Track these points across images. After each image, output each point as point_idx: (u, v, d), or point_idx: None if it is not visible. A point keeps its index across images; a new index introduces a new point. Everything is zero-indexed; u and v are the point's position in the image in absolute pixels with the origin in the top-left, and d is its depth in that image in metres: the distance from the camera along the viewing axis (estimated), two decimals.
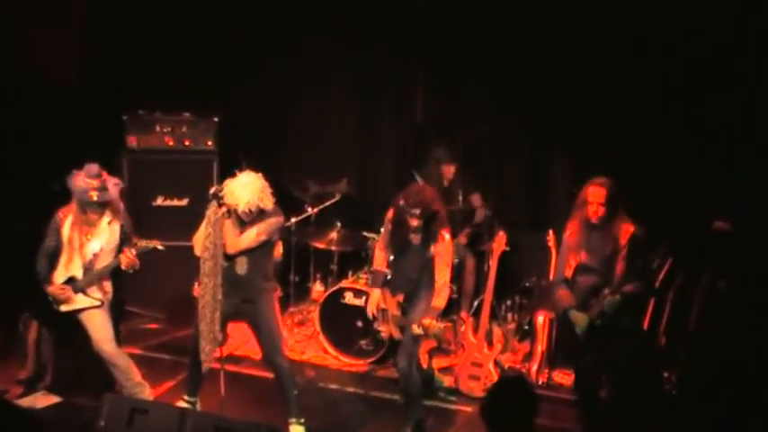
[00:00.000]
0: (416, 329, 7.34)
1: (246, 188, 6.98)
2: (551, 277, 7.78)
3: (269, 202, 7.08)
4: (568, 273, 7.27)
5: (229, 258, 7.12)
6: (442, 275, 7.46)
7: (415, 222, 7.43)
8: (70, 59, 10.51)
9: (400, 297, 7.64)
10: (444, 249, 7.49)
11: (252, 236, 7.06)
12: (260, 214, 7.07)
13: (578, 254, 7.21)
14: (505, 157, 10.35)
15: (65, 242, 7.45)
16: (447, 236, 7.52)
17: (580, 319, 7.12)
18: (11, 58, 9.86)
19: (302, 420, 7.41)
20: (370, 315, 7.80)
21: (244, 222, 7.09)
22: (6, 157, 9.59)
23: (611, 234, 7.07)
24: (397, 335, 7.67)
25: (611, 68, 9.34)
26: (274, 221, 7.13)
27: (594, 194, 7.05)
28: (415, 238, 7.54)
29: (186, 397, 7.61)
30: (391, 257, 7.81)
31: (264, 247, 7.16)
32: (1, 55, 9.81)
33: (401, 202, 7.46)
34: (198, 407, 7.59)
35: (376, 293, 7.78)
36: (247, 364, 8.83)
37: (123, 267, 7.47)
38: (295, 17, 10.45)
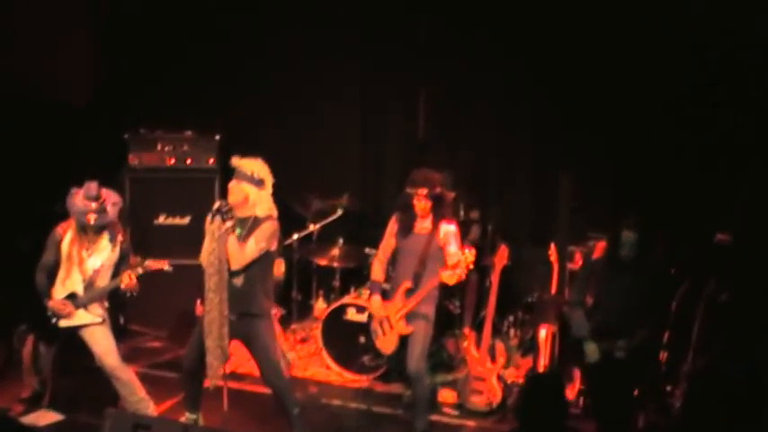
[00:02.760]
0: (445, 274, 7.29)
1: (253, 160, 7.07)
2: (567, 297, 7.80)
3: (264, 204, 7.11)
4: (589, 300, 7.37)
5: (232, 274, 7.11)
6: (456, 257, 7.38)
7: (421, 204, 7.43)
8: (75, 80, 10.54)
9: (408, 283, 7.56)
10: (452, 236, 7.50)
11: (252, 247, 7.03)
12: (254, 224, 7.06)
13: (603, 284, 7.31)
14: (507, 171, 10.36)
15: (63, 257, 7.43)
16: (453, 226, 7.55)
17: (593, 350, 7.24)
18: (16, 79, 9.88)
19: None
20: (374, 321, 7.76)
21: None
22: (8, 175, 9.59)
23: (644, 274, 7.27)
24: (406, 330, 7.60)
25: (614, 83, 9.37)
26: (268, 226, 7.08)
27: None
28: (422, 224, 7.54)
29: (188, 414, 7.58)
30: (391, 268, 7.81)
31: (261, 258, 7.11)
32: (6, 75, 9.83)
33: (407, 188, 7.48)
34: (200, 422, 7.57)
35: (377, 300, 7.77)
36: (250, 381, 8.80)
37: (122, 288, 7.43)
38: (296, 35, 10.49)
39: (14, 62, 9.90)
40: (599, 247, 7.60)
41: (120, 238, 7.51)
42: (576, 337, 7.55)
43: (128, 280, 7.38)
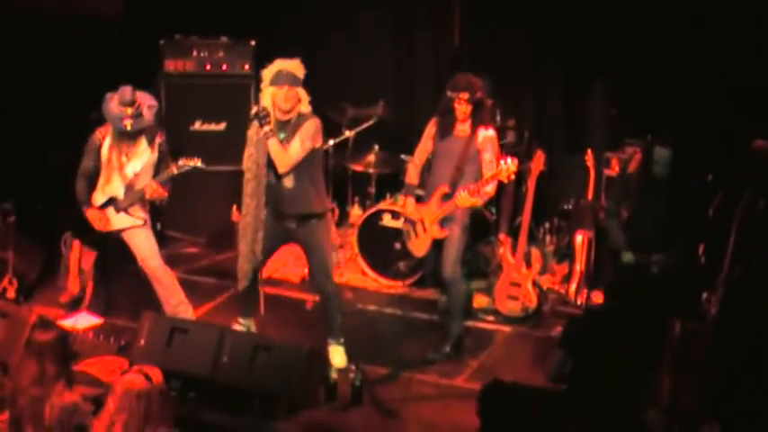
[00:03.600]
0: (461, 196, 7.33)
1: (293, 62, 6.99)
2: (603, 204, 7.74)
3: (305, 104, 7.06)
4: (624, 213, 7.33)
5: (281, 178, 7.07)
6: (490, 166, 7.38)
7: (462, 108, 7.39)
8: None
9: (446, 188, 7.51)
10: (490, 141, 7.47)
11: (297, 147, 6.97)
12: (296, 124, 7.01)
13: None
14: (543, 78, 10.24)
15: (103, 163, 7.43)
16: (492, 131, 7.52)
17: (629, 260, 7.28)
18: None
19: (342, 341, 7.45)
20: (412, 218, 7.75)
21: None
22: (45, 89, 9.61)
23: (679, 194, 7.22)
24: (440, 234, 7.59)
25: None
26: (311, 124, 7.03)
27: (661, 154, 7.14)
28: (461, 129, 7.50)
29: (240, 319, 7.66)
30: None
31: (308, 156, 7.05)
32: None
33: (448, 91, 7.43)
34: (253, 329, 7.64)
35: (411, 201, 7.78)
36: (286, 286, 8.88)
37: (147, 197, 7.46)
38: None
39: None
40: (636, 159, 7.52)
41: (158, 139, 7.49)
42: (613, 246, 7.53)
43: (151, 189, 7.39)
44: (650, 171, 7.24)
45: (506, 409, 5.02)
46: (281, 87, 6.94)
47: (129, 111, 7.25)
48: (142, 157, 7.45)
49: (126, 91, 7.27)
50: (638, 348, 5.79)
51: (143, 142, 7.44)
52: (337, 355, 7.40)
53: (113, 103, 7.28)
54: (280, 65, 6.98)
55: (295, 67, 6.99)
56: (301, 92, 7.01)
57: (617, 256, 7.44)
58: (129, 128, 7.26)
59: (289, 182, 7.07)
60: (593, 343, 5.80)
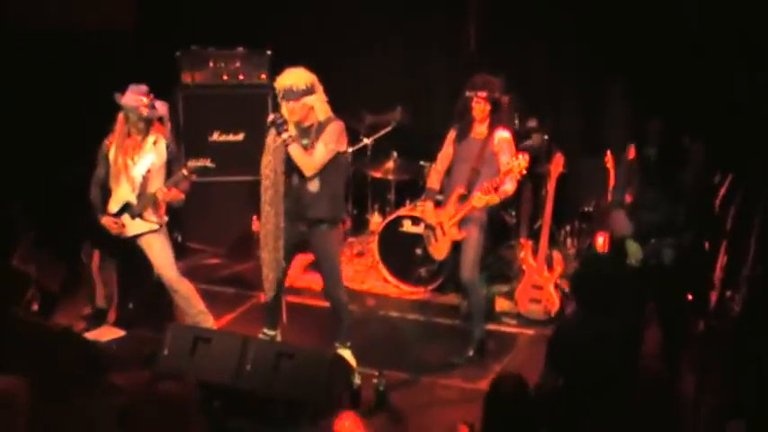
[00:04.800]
0: (476, 196, 7.31)
1: (297, 71, 6.96)
2: (609, 198, 7.68)
3: (322, 108, 7.04)
4: (629, 198, 7.23)
5: (306, 181, 7.07)
6: (505, 166, 7.32)
7: (480, 107, 7.38)
8: (125, 5, 10.51)
9: (462, 189, 7.50)
10: (506, 143, 7.45)
11: (322, 150, 6.97)
12: (319, 129, 7.01)
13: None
14: (561, 79, 10.22)
15: (111, 165, 7.49)
16: (508, 132, 7.51)
17: (635, 249, 7.07)
18: (69, 12, 9.92)
19: (348, 344, 7.42)
20: (431, 222, 7.74)
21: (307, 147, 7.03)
22: (62, 106, 9.65)
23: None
24: (459, 236, 7.57)
25: None
26: (334, 127, 7.03)
27: None
28: (478, 131, 7.50)
29: (265, 330, 7.65)
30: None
31: (334, 160, 7.06)
32: (60, 9, 9.87)
33: (466, 91, 7.43)
34: (278, 339, 7.65)
35: (430, 205, 7.77)
36: (308, 294, 8.88)
37: (161, 200, 7.48)
38: None
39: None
40: (631, 149, 7.42)
41: (164, 138, 7.52)
42: (618, 237, 7.40)
43: (162, 193, 7.42)
44: (645, 154, 7.16)
45: (512, 402, 4.98)
46: (286, 103, 6.96)
47: (145, 99, 7.36)
48: (147, 158, 7.47)
49: (141, 86, 7.40)
50: (609, 355, 5.75)
51: (148, 142, 7.47)
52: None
53: (128, 95, 7.38)
54: (278, 81, 6.98)
55: (296, 78, 6.94)
56: (311, 99, 6.97)
57: (623, 250, 7.28)
58: (145, 113, 7.35)
59: (313, 185, 7.07)
60: (571, 355, 5.79)
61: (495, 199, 7.35)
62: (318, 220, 7.17)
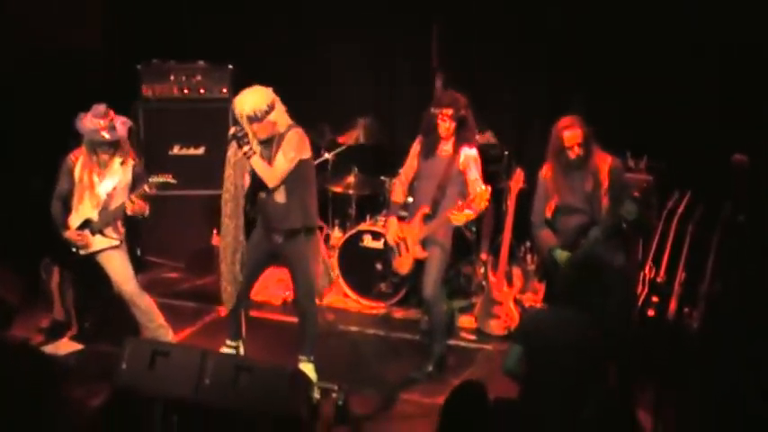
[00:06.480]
0: (454, 215, 7.15)
1: (254, 93, 6.87)
2: (532, 219, 7.65)
3: (282, 119, 6.95)
4: (549, 214, 7.25)
5: (272, 192, 7.00)
6: (476, 185, 7.25)
7: (446, 124, 7.34)
8: (90, 22, 10.50)
9: (427, 208, 7.47)
10: (473, 160, 7.40)
11: (282, 160, 6.89)
12: (279, 140, 6.94)
13: (559, 194, 7.19)
14: (522, 94, 10.27)
15: (76, 184, 7.45)
16: (475, 150, 7.46)
17: (564, 256, 7.06)
18: (34, 31, 9.95)
19: (312, 359, 7.36)
20: (390, 242, 7.70)
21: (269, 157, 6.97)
22: (25, 122, 9.65)
23: (590, 170, 7.06)
24: (421, 255, 7.54)
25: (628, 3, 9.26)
26: (293, 135, 6.94)
27: (571, 138, 7.04)
28: (444, 149, 7.45)
29: (229, 341, 7.60)
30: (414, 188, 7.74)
31: (299, 169, 6.97)
32: (25, 28, 9.91)
33: (432, 108, 7.41)
34: (241, 351, 7.60)
35: (393, 221, 7.73)
36: (268, 309, 8.87)
37: (129, 213, 7.40)
38: None
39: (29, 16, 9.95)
40: (545, 167, 7.43)
41: (131, 159, 7.49)
42: (545, 253, 7.37)
43: (131, 204, 7.34)
44: (566, 158, 7.16)
45: (468, 411, 4.99)
46: (250, 125, 6.87)
47: (103, 122, 7.30)
48: (114, 177, 7.45)
49: (99, 107, 7.34)
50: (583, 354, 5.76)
51: (115, 162, 7.45)
52: (307, 372, 7.35)
53: (87, 119, 7.33)
54: (239, 107, 6.86)
55: (255, 101, 6.83)
56: (273, 115, 6.87)
57: (553, 262, 7.20)
58: (106, 137, 7.29)
59: (280, 197, 7.01)
60: (546, 345, 5.78)
61: (471, 215, 7.25)
62: (293, 230, 7.11)
